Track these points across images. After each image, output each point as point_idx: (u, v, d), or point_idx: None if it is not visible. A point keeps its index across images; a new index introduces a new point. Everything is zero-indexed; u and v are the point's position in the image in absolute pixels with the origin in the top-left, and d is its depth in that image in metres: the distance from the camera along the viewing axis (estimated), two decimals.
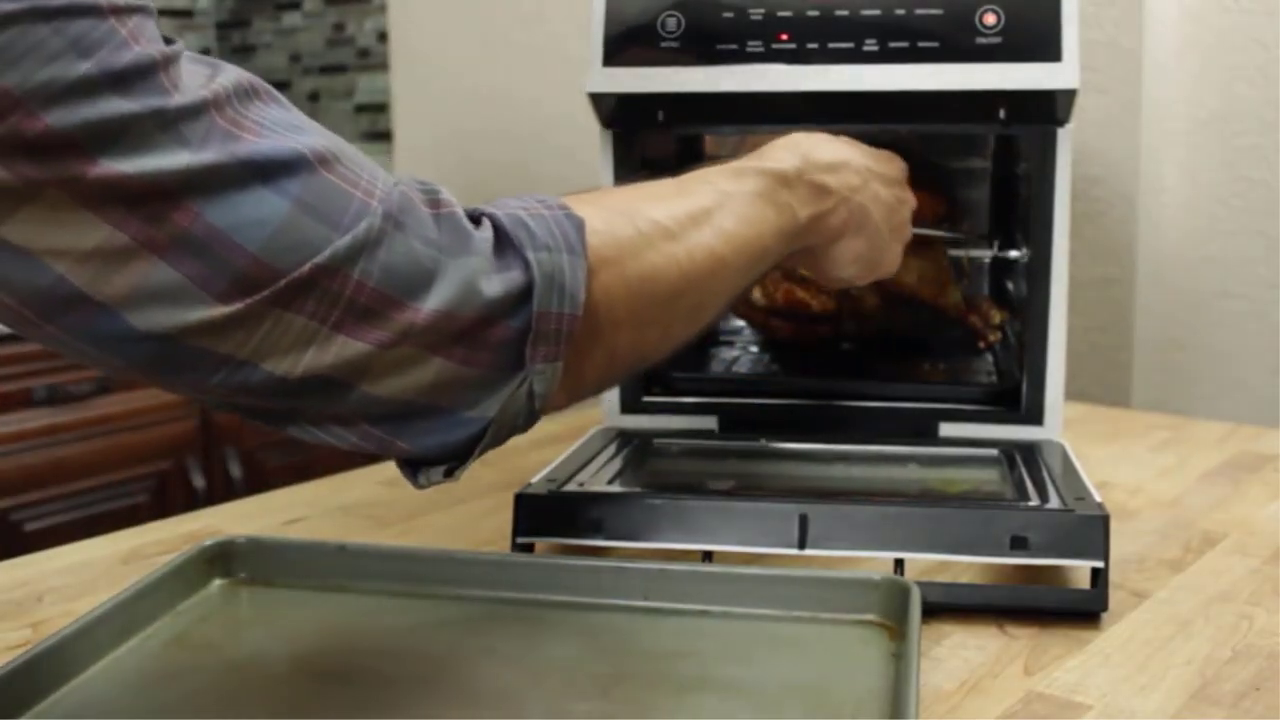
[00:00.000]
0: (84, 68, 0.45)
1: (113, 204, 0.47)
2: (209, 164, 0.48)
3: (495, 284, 0.57)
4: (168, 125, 0.48)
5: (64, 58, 0.45)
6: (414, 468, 0.62)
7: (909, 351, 1.09)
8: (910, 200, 0.85)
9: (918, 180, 1.03)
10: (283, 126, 0.52)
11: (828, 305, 1.04)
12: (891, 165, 0.83)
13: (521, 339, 0.58)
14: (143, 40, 0.48)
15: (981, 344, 1.05)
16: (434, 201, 0.58)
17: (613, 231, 0.63)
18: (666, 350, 0.70)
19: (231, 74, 0.52)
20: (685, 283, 0.66)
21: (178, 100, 0.48)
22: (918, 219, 0.95)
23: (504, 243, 0.58)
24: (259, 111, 0.52)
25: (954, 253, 1.03)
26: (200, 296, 0.49)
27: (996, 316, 1.05)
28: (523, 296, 0.58)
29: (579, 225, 0.61)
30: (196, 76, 0.50)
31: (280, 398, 0.54)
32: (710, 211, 0.68)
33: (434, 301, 0.55)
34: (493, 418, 0.59)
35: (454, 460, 0.61)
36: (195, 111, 0.49)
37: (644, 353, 0.68)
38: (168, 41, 0.50)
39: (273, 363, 0.52)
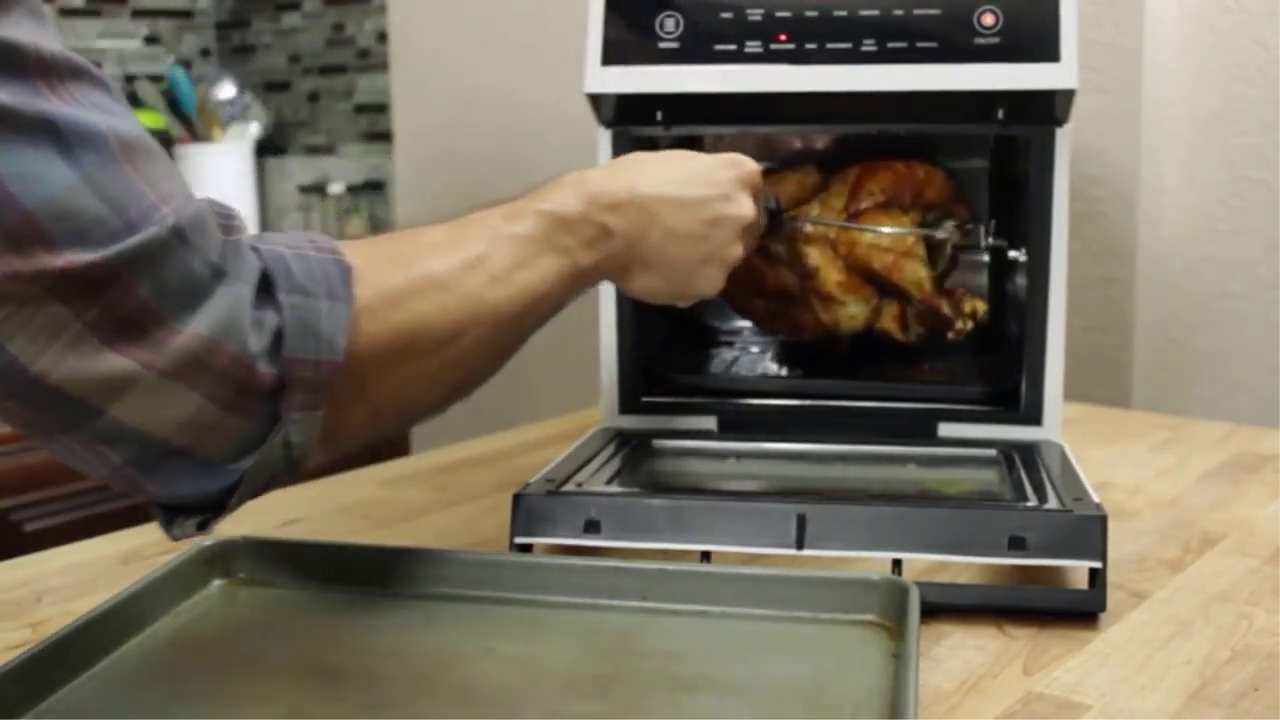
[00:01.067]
0: None
1: None
2: (4, 104, 0.48)
3: (254, 320, 0.55)
4: None
5: None
6: (170, 516, 0.60)
7: (908, 351, 1.09)
8: (739, 215, 0.77)
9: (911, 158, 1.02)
10: (99, 108, 0.52)
11: (787, 280, 1.02)
12: (719, 178, 0.77)
13: (279, 385, 0.56)
14: None
15: (950, 334, 1.01)
16: (227, 226, 0.56)
17: (382, 279, 0.61)
18: (440, 402, 0.67)
19: (74, 57, 0.52)
20: (455, 332, 0.64)
21: None
22: (908, 193, 0.94)
23: (264, 280, 0.57)
24: (81, 89, 0.51)
25: (935, 235, 1.00)
26: None
27: (969, 305, 1.01)
28: (276, 339, 0.56)
29: (345, 271, 0.59)
30: (34, 33, 0.50)
31: (23, 399, 0.52)
32: (484, 258, 0.66)
33: (197, 326, 0.53)
34: (248, 469, 0.57)
35: (208, 510, 0.59)
36: (11, 56, 0.48)
37: (412, 405, 0.65)
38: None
39: (16, 346, 0.50)
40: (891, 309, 1.03)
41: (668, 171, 0.76)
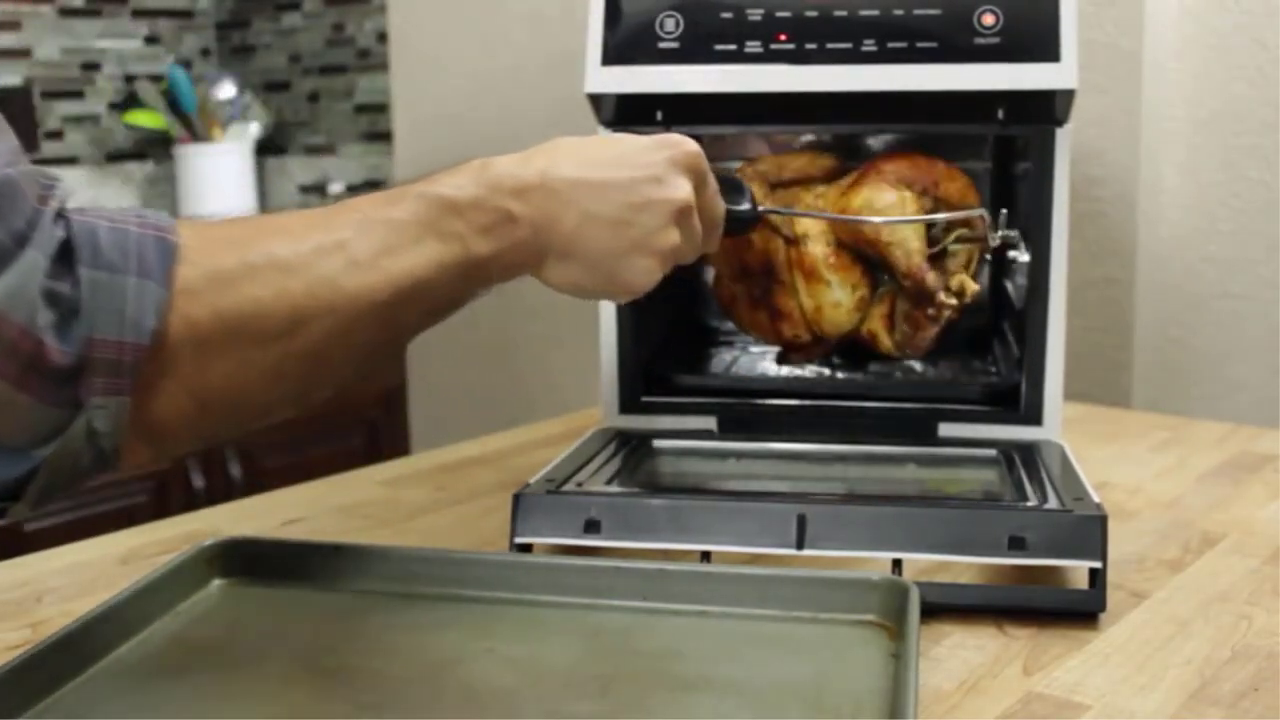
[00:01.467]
0: None
1: None
2: None
3: (45, 292, 0.52)
4: None
5: None
6: None
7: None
8: (670, 198, 0.69)
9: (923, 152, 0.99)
10: None
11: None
12: (648, 159, 0.69)
13: (77, 366, 0.53)
14: None
15: (932, 310, 0.95)
16: (44, 196, 0.53)
17: (211, 261, 0.57)
18: (287, 399, 0.62)
19: None
20: (299, 320, 0.58)
21: None
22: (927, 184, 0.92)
23: (65, 252, 0.53)
24: None
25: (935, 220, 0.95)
26: None
27: (957, 281, 0.94)
28: (70, 315, 0.52)
29: (168, 249, 0.55)
30: None
31: None
32: (346, 242, 0.60)
33: None
34: (48, 457, 0.54)
35: (7, 499, 0.56)
36: None
37: (248, 399, 0.60)
38: None
39: None
40: (880, 308, 1.00)
41: (588, 153, 0.69)
